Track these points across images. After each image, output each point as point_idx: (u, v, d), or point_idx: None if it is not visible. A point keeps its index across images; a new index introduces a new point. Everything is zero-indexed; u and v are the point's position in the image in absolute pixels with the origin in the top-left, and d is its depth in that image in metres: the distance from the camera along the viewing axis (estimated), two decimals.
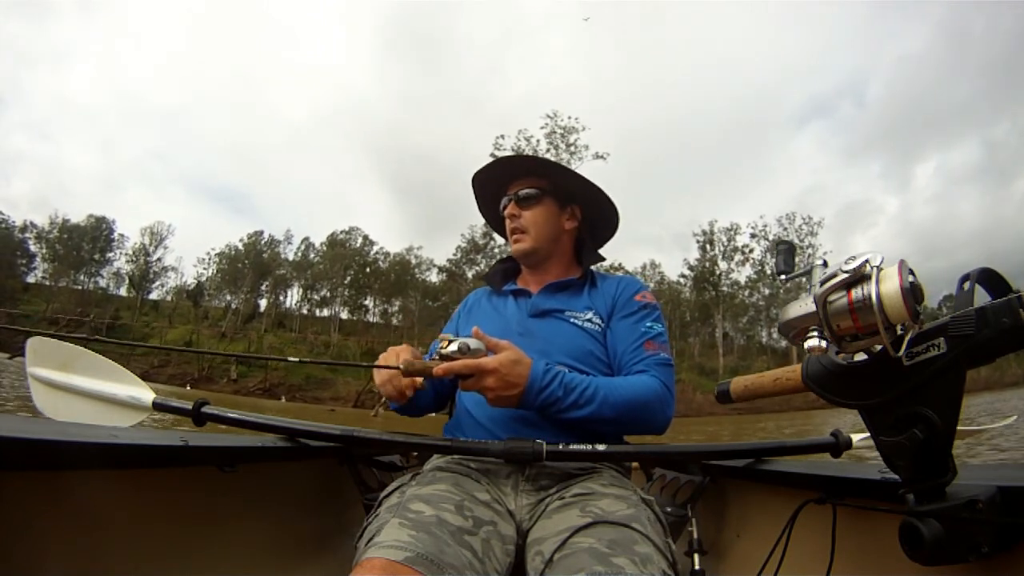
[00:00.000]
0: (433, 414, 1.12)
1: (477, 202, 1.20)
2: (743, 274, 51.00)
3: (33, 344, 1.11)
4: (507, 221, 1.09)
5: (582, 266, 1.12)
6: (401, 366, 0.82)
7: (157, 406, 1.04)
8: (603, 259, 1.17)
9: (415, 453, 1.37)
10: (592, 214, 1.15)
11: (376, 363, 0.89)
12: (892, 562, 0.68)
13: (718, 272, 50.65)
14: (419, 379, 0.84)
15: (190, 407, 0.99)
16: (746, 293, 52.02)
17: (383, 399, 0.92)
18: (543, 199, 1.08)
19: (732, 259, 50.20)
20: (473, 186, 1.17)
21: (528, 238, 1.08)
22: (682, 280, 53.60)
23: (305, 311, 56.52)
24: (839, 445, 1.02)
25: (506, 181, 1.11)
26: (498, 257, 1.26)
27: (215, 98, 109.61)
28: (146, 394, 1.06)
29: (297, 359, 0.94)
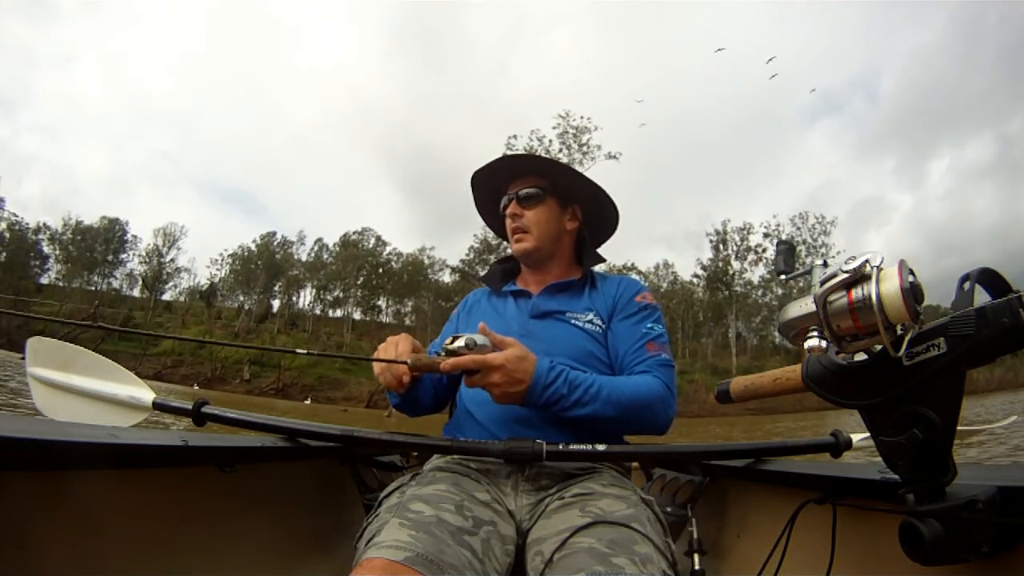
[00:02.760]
0: (433, 414, 1.12)
1: (475, 201, 1.20)
2: (756, 274, 50.22)
3: (33, 344, 1.11)
4: (508, 220, 1.09)
5: (582, 267, 1.12)
6: (409, 361, 0.83)
7: (157, 406, 1.04)
8: (603, 260, 1.17)
9: (415, 453, 1.37)
10: (592, 214, 1.15)
11: (380, 356, 0.89)
12: (892, 562, 0.68)
13: (731, 272, 50.02)
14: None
15: (190, 407, 1.00)
16: (759, 293, 51.30)
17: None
18: (545, 199, 1.08)
19: (745, 259, 49.56)
20: (472, 185, 1.17)
21: (530, 238, 1.07)
22: (695, 280, 53.17)
23: (318, 311, 56.50)
24: (839, 445, 1.02)
25: (506, 180, 1.11)
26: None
27: (223, 99, 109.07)
28: (146, 394, 1.06)
29: (304, 351, 0.95)
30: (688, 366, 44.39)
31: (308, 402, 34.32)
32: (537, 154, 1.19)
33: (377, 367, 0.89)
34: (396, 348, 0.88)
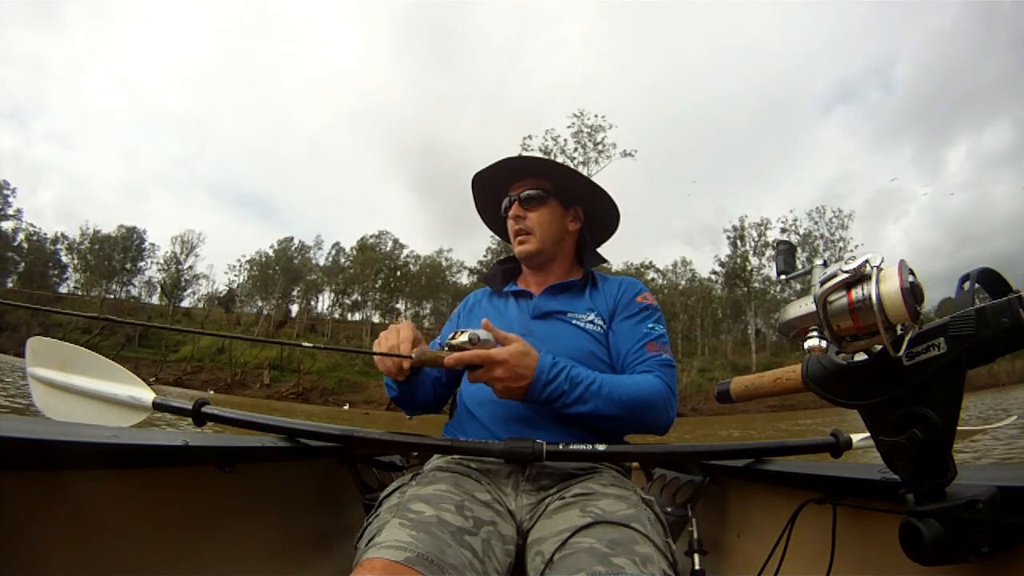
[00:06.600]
0: (433, 414, 1.12)
1: (476, 202, 1.20)
2: (774, 269, 49.59)
3: (33, 344, 1.11)
4: (511, 222, 1.09)
5: (583, 267, 1.13)
6: (413, 356, 0.83)
7: (157, 406, 1.04)
8: (605, 260, 1.17)
9: (415, 453, 1.37)
10: (593, 214, 1.15)
11: (381, 344, 0.89)
12: (892, 562, 0.68)
13: (749, 268, 49.30)
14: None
15: (190, 407, 0.99)
16: (778, 289, 50.21)
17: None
18: (548, 200, 1.08)
19: (763, 254, 48.55)
20: (473, 187, 1.17)
21: (534, 239, 1.07)
22: (713, 277, 52.35)
23: (337, 315, 56.29)
24: (839, 445, 1.03)
25: (507, 182, 1.11)
26: None
27: (234, 104, 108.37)
28: (146, 394, 1.06)
29: (311, 345, 0.96)
30: (708, 363, 43.68)
31: (347, 407, 33.14)
32: (539, 155, 1.19)
33: (378, 357, 0.89)
34: (398, 335, 0.88)
